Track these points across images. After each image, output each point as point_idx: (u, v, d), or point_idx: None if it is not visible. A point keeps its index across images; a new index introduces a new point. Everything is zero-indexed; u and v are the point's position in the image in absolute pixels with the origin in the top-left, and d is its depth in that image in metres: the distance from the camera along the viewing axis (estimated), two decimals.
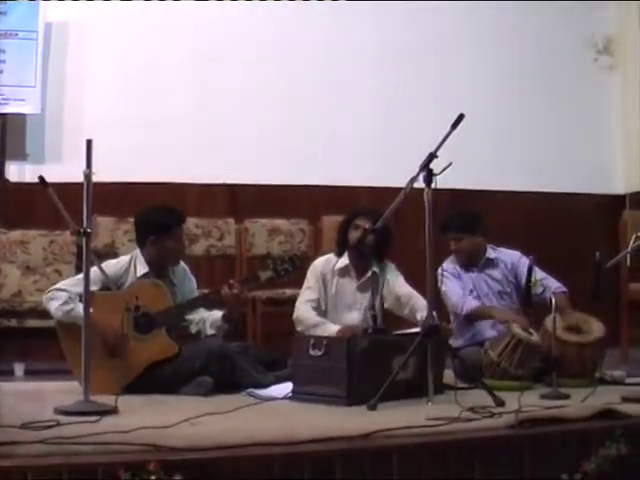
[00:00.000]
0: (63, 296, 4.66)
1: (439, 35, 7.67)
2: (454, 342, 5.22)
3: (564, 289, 5.33)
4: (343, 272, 5.23)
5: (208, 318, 4.95)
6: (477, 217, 5.52)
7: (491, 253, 5.48)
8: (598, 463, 3.56)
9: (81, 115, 6.93)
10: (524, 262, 5.16)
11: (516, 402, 3.96)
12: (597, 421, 3.81)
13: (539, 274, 5.27)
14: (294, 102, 7.34)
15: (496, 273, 5.44)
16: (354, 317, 5.17)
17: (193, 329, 4.99)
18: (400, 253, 5.36)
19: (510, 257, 5.46)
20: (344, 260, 5.22)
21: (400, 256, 5.33)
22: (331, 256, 5.29)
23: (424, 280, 4.35)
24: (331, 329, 4.97)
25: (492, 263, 5.47)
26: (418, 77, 7.64)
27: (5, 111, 6.65)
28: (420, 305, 4.96)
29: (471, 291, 5.40)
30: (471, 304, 5.32)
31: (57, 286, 4.76)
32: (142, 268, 4.86)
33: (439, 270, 5.29)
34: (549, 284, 5.28)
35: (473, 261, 5.46)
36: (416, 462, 3.39)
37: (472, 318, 5.34)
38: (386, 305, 5.23)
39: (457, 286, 5.37)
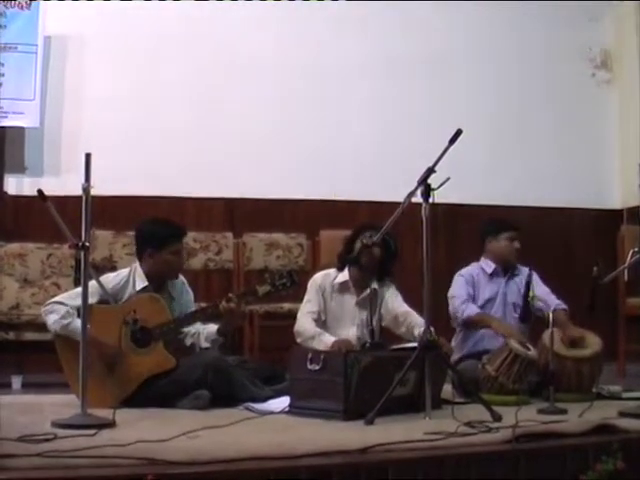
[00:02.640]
0: (62, 310, 4.66)
1: (437, 50, 7.68)
2: (455, 354, 5.24)
3: (564, 306, 5.33)
4: (342, 288, 5.21)
5: (203, 331, 4.95)
6: None
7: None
8: (595, 478, 3.56)
9: (80, 129, 6.93)
10: (534, 276, 5.16)
11: (513, 417, 3.96)
12: (594, 436, 3.81)
13: (542, 289, 5.30)
14: (292, 116, 7.35)
15: (517, 283, 5.44)
16: (352, 332, 5.15)
17: (188, 342, 4.98)
18: (398, 267, 5.35)
19: (522, 270, 5.46)
20: (344, 275, 5.21)
21: (398, 270, 5.33)
22: (331, 271, 5.27)
23: (422, 294, 4.34)
24: (327, 340, 4.95)
25: (516, 273, 5.49)
26: (417, 92, 7.66)
27: (4, 124, 6.66)
28: (418, 322, 4.95)
29: (491, 299, 5.41)
30: (472, 310, 5.33)
31: (56, 299, 4.76)
32: (141, 282, 4.85)
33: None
34: (549, 302, 5.28)
35: (512, 264, 5.48)
36: (413, 477, 3.38)
37: (471, 324, 5.34)
38: (384, 323, 5.23)
39: (464, 292, 5.38)
